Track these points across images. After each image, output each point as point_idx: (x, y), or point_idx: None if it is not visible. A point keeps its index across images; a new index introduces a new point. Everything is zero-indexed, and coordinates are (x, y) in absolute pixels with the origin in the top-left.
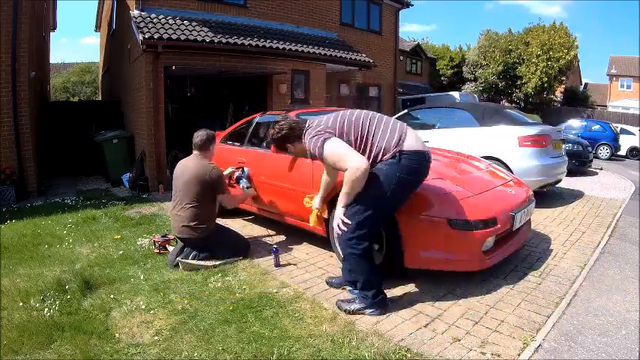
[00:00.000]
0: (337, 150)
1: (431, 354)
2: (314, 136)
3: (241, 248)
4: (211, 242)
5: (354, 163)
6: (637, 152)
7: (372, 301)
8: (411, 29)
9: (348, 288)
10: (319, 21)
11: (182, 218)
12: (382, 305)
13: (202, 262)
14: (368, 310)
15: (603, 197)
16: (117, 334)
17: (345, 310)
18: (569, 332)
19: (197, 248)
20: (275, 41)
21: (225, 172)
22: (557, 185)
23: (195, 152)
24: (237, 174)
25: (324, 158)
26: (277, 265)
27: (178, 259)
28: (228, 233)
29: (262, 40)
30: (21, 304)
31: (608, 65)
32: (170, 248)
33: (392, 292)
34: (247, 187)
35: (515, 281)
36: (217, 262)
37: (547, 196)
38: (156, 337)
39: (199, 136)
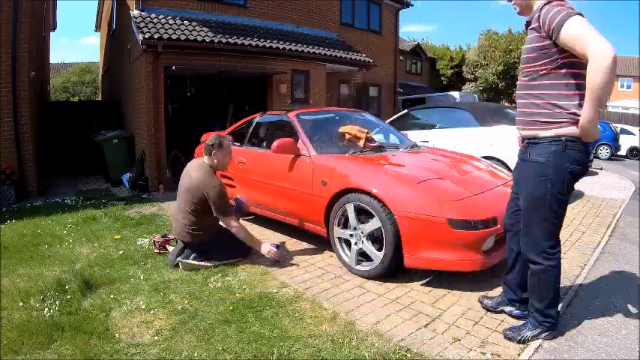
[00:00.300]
0: (582, 26)
1: (431, 354)
2: (559, 7)
3: (241, 250)
4: (211, 245)
5: (599, 46)
6: (637, 152)
7: (551, 324)
8: (413, 29)
9: (508, 309)
10: (319, 21)
11: (182, 224)
12: (555, 326)
13: (202, 263)
14: (543, 335)
15: (603, 197)
16: (117, 334)
17: (517, 341)
18: (569, 332)
19: (197, 252)
20: (275, 41)
21: None
22: None
23: (205, 156)
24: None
25: (560, 35)
26: (277, 264)
27: (178, 259)
28: (229, 235)
29: (262, 40)
30: (21, 304)
31: None
32: (170, 248)
33: (392, 292)
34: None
35: None
36: (217, 263)
37: None
38: (156, 337)
39: (208, 140)
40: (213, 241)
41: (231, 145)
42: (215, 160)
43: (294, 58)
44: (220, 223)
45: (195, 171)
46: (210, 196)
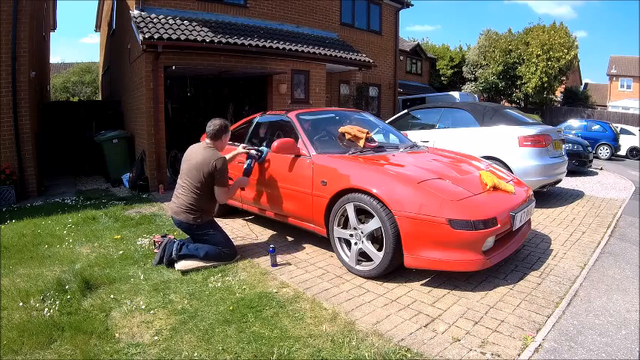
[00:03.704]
0: None
1: (431, 354)
2: None
3: (225, 254)
4: (198, 235)
5: None
6: (637, 152)
7: None
8: (418, 29)
9: None
10: (319, 21)
11: (181, 201)
12: None
13: (201, 263)
14: None
15: (603, 197)
16: (117, 334)
17: None
18: (569, 332)
19: (188, 233)
20: (275, 41)
21: (238, 150)
22: (557, 185)
23: (206, 140)
24: (252, 152)
25: None
26: (274, 264)
27: (177, 267)
28: (219, 234)
29: (262, 40)
30: (21, 304)
31: (608, 65)
32: None
33: (392, 293)
34: (246, 174)
35: (515, 281)
36: (202, 264)
37: (547, 196)
38: (156, 337)
39: (213, 124)
40: (202, 231)
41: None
42: (222, 143)
43: (294, 58)
44: (219, 220)
45: (201, 150)
46: (217, 167)
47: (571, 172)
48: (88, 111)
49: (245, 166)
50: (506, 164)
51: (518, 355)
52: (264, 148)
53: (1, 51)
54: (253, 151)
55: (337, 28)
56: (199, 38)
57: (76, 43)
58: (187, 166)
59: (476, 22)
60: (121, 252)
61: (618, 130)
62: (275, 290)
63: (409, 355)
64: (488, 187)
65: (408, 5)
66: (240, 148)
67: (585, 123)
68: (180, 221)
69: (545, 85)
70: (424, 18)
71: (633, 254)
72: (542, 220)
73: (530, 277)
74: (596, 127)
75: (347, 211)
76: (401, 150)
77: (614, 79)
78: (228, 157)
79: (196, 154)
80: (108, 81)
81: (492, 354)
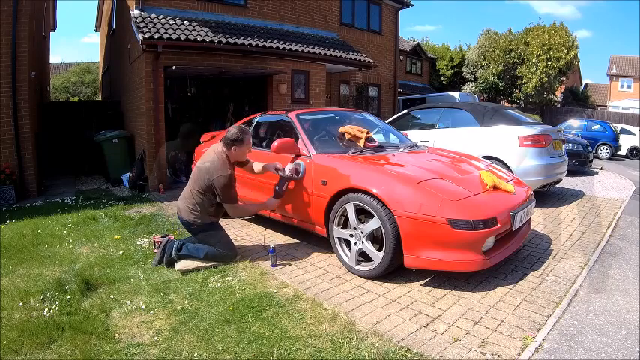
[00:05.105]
0: None
1: (431, 354)
2: None
3: (225, 254)
4: (200, 235)
5: None
6: (637, 152)
7: None
8: (418, 29)
9: None
10: (319, 21)
11: (186, 200)
12: None
13: (201, 263)
14: None
15: (603, 197)
16: (117, 334)
17: None
18: (569, 332)
19: (190, 232)
20: (275, 41)
21: (269, 168)
22: (557, 185)
23: (223, 146)
24: (286, 173)
25: None
26: (274, 264)
27: (177, 267)
28: (220, 234)
29: (262, 40)
30: (21, 304)
31: (608, 65)
32: None
33: (392, 293)
34: (276, 196)
35: (515, 281)
36: (202, 264)
37: (547, 196)
38: (156, 337)
39: (229, 132)
40: (203, 232)
41: (250, 138)
42: (232, 152)
43: (294, 58)
44: (217, 218)
45: (211, 157)
46: (215, 185)
47: (571, 172)
48: (88, 111)
49: (276, 188)
50: (506, 164)
51: (518, 355)
52: (300, 163)
53: (1, 51)
54: (287, 173)
55: (337, 28)
56: (199, 38)
57: (76, 43)
58: (196, 167)
59: (476, 22)
60: (121, 252)
61: (618, 130)
62: (275, 290)
63: (409, 355)
64: (488, 187)
65: (408, 5)
66: (273, 169)
67: (585, 123)
68: (183, 219)
69: (545, 85)
70: (424, 18)
71: (633, 254)
72: (542, 220)
73: (530, 277)
74: (596, 127)
75: (347, 211)
76: (401, 150)
77: (614, 79)
78: (258, 169)
79: (206, 158)
80: (108, 81)
81: (492, 354)
